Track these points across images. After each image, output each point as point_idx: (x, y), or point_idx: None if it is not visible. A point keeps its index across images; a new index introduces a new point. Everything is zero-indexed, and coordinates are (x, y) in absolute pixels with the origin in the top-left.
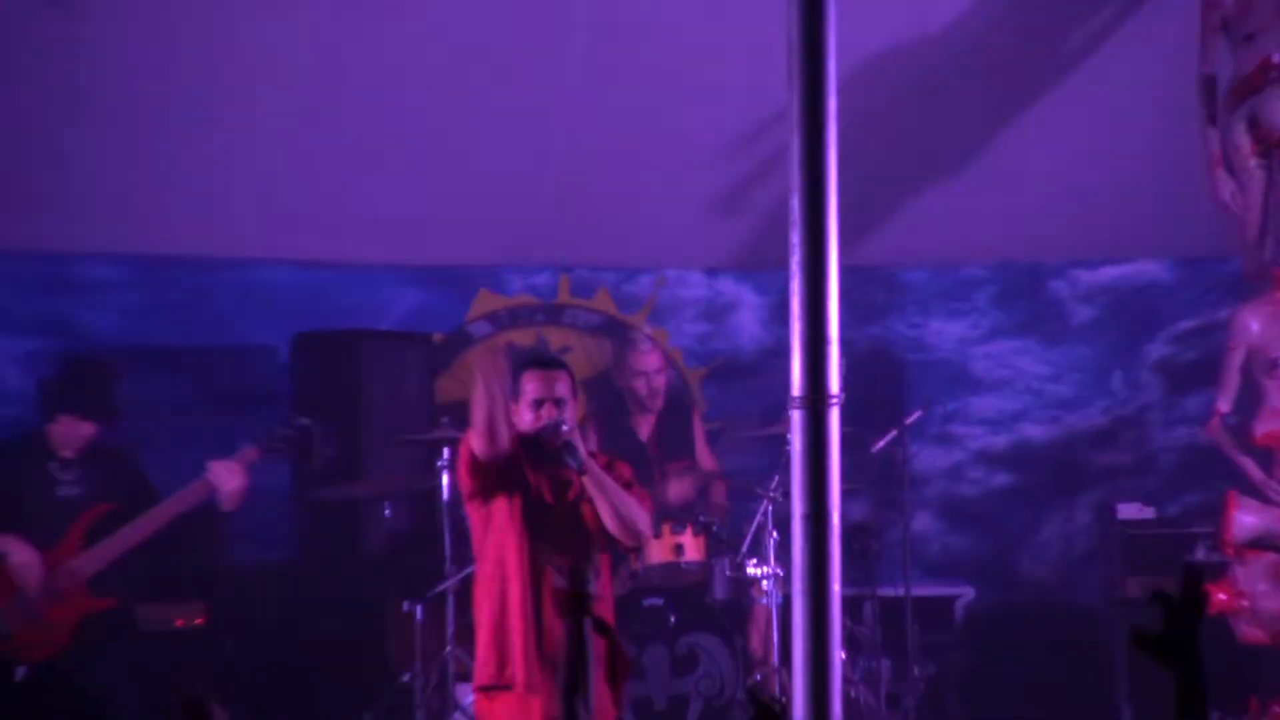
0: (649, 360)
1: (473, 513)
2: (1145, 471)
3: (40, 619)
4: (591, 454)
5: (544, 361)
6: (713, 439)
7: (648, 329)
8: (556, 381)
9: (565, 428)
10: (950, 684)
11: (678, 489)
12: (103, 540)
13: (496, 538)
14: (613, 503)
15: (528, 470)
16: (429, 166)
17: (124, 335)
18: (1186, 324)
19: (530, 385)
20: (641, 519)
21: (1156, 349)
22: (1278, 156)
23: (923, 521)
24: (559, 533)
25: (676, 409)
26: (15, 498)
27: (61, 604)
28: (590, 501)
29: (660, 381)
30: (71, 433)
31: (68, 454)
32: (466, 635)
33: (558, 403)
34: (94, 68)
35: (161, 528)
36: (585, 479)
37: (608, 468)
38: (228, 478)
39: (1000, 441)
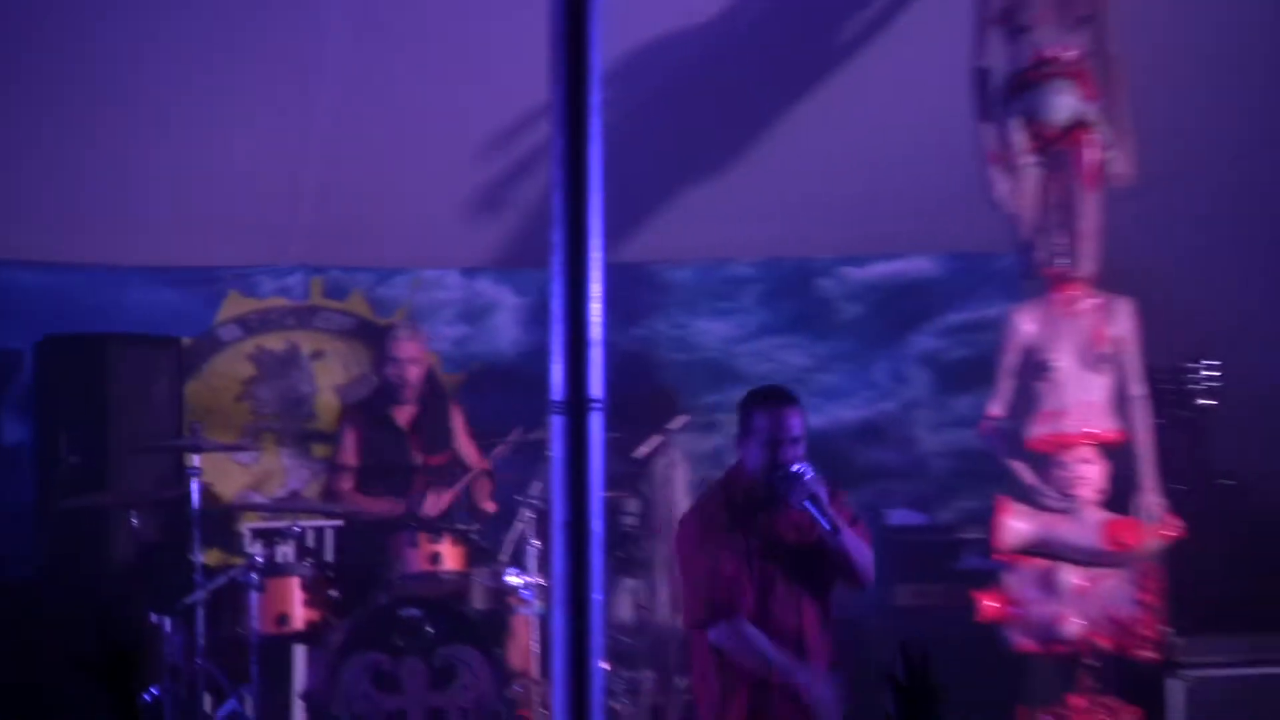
0: (404, 348)
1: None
2: (915, 475)
3: None
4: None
5: (775, 395)
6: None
7: (410, 326)
8: (792, 417)
9: (809, 476)
10: None
11: (434, 504)
12: None
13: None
14: (853, 555)
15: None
16: (176, 162)
17: None
18: (956, 318)
19: (763, 422)
20: (871, 565)
21: (924, 341)
22: (1055, 154)
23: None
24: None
25: (437, 401)
26: None
27: None
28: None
29: (412, 372)
30: None
31: None
32: (217, 648)
33: (794, 441)
34: None
35: None
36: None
37: (833, 503)
38: None
39: None
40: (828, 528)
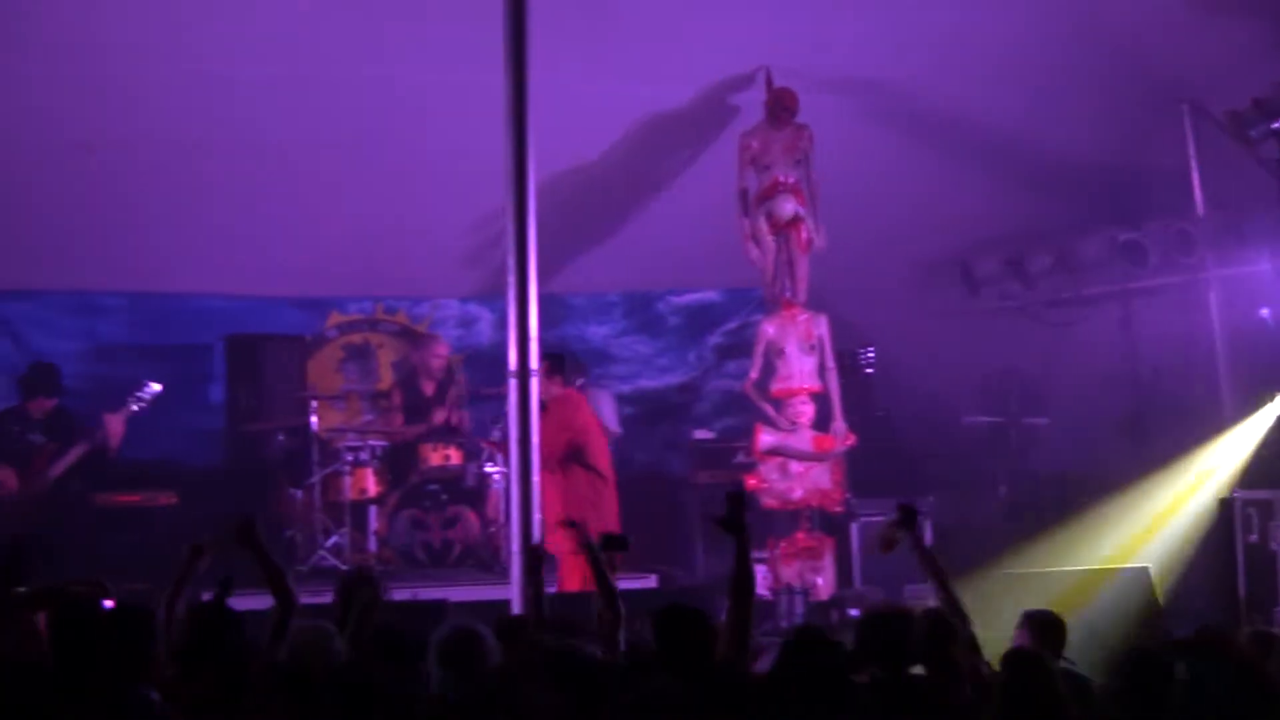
0: (439, 350)
1: None
2: (705, 407)
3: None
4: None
5: (551, 358)
6: (461, 399)
7: (437, 334)
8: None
9: None
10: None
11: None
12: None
13: None
14: None
15: None
16: (304, 243)
17: (127, 337)
18: (730, 325)
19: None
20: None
21: (713, 339)
22: (784, 235)
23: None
24: None
25: (449, 380)
26: (6, 444)
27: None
28: None
29: (441, 364)
30: (39, 405)
31: (38, 417)
32: (327, 507)
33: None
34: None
35: (82, 455)
36: None
37: None
38: (114, 426)
39: (627, 388)
40: None
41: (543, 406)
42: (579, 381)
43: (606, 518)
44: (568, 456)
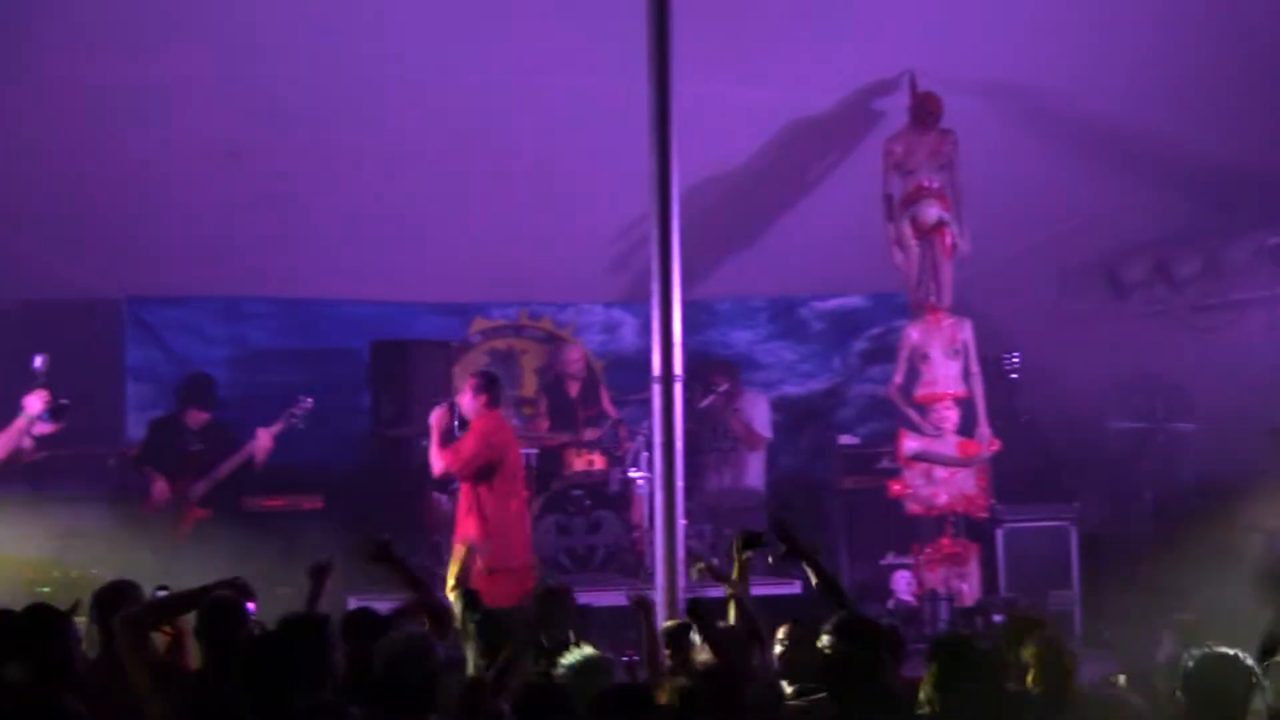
0: (573, 354)
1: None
2: (849, 413)
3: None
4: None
5: (483, 376)
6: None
7: (574, 339)
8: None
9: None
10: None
11: (590, 435)
12: (206, 476)
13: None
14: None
15: None
16: (449, 249)
17: (274, 342)
18: (874, 330)
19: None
20: (434, 463)
21: (858, 344)
22: (928, 240)
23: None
24: None
25: (592, 380)
26: (162, 452)
27: (186, 512)
28: None
29: (577, 367)
30: (195, 417)
31: (194, 428)
32: None
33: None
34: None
35: (234, 468)
36: None
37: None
38: (264, 441)
39: (772, 394)
40: None
41: (466, 422)
42: (723, 387)
43: (511, 535)
44: (481, 472)
